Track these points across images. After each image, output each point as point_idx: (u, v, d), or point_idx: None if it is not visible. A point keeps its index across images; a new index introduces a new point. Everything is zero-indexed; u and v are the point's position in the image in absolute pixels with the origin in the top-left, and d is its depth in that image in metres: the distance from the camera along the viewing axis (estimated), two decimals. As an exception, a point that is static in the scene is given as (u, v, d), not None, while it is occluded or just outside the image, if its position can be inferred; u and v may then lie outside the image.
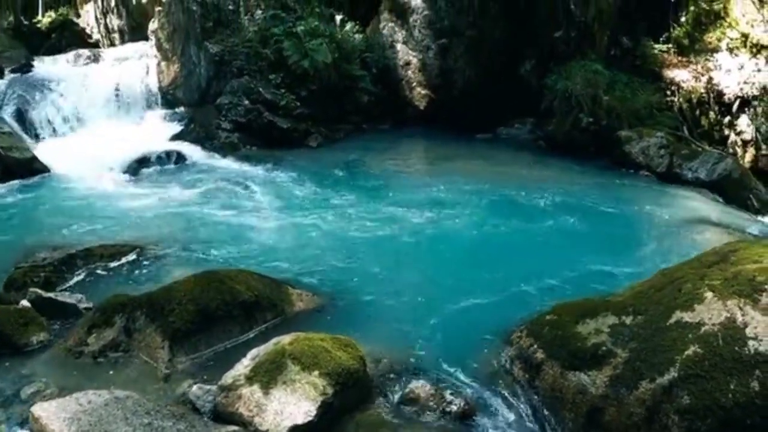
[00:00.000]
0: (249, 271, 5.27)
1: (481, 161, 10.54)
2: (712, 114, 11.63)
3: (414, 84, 12.76)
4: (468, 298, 5.43)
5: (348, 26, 12.64)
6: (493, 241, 6.93)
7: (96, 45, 18.26)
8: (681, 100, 11.77)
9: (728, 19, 11.81)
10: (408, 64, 12.77)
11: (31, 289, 5.18)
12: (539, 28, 12.86)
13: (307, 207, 7.95)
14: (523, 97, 12.30)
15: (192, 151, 10.54)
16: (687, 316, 3.68)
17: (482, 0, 12.32)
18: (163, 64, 12.86)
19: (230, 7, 12.61)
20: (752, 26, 11.52)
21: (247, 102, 11.43)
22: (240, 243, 6.66)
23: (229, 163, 10.14)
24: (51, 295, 5.15)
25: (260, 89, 11.54)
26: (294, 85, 11.66)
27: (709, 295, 3.72)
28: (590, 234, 7.39)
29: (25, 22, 18.54)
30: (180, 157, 10.25)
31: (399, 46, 12.83)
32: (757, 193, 9.82)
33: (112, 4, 18.81)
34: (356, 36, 12.62)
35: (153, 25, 13.35)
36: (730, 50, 11.61)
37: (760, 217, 9.18)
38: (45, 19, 19.60)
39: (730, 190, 9.74)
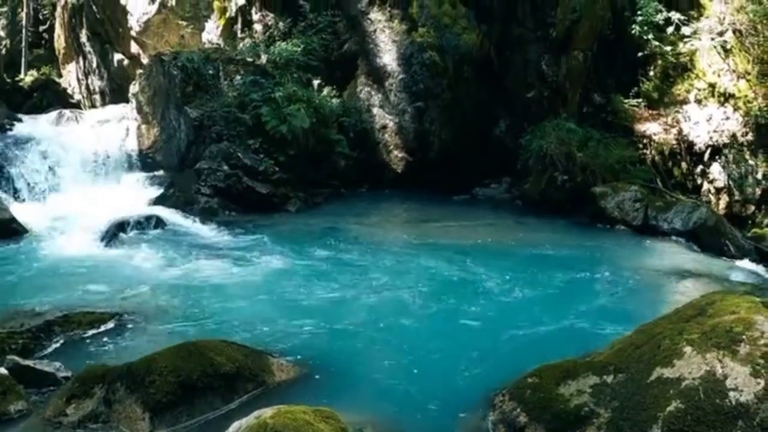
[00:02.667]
0: (229, 341, 5.22)
1: (458, 223, 10.63)
2: (684, 164, 11.91)
3: (391, 147, 12.95)
4: (449, 363, 5.43)
5: (325, 91, 12.88)
6: (473, 304, 6.91)
7: (77, 105, 18.51)
8: (653, 152, 12.06)
9: (695, 71, 12.20)
10: (385, 127, 12.97)
11: (9, 357, 5.07)
12: (512, 89, 13.24)
13: (287, 274, 7.88)
14: (499, 157, 12.55)
15: (171, 216, 10.49)
16: (667, 372, 3.72)
17: (456, 64, 12.63)
18: (143, 127, 12.97)
19: (210, 72, 12.79)
20: (719, 76, 11.90)
21: (226, 167, 11.49)
22: (220, 311, 6.60)
23: (208, 229, 10.09)
24: (29, 363, 5.04)
25: (239, 154, 11.64)
26: (272, 150, 11.80)
27: (688, 349, 3.77)
28: (569, 293, 7.45)
29: (8, 80, 18.68)
30: (159, 222, 10.20)
31: (376, 110, 13.07)
32: (732, 239, 9.97)
33: (94, 65, 19.09)
34: (333, 100, 12.85)
35: (134, 88, 13.51)
36: (699, 101, 11.96)
37: (737, 263, 9.32)
38: (27, 77, 19.85)
39: (706, 238, 9.89)
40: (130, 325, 6.13)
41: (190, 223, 10.33)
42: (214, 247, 9.11)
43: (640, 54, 12.48)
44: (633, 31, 12.28)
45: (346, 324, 6.29)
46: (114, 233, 9.67)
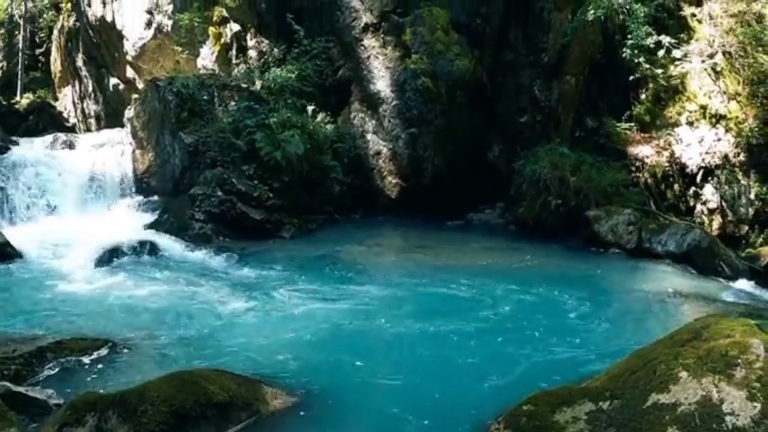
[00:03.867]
0: (222, 370, 5.19)
1: (452, 249, 10.62)
2: (677, 186, 11.99)
3: (385, 173, 12.96)
4: (444, 391, 5.39)
5: (319, 117, 12.91)
6: (467, 331, 6.87)
7: (73, 129, 18.57)
8: (646, 175, 12.13)
9: (686, 93, 12.32)
10: (378, 153, 12.99)
11: (1, 383, 5.01)
12: (505, 114, 13.32)
13: (280, 301, 7.85)
14: (493, 182, 12.59)
15: (165, 242, 10.49)
16: (663, 398, 3.71)
17: (449, 89, 12.69)
18: (138, 152, 12.98)
19: (205, 98, 12.82)
20: (710, 98, 12.02)
21: (220, 193, 11.47)
22: (213, 339, 6.56)
23: (202, 255, 10.06)
24: (21, 389, 4.99)
25: (233, 180, 11.64)
26: (267, 176, 11.79)
27: (683, 374, 3.76)
28: (564, 318, 7.43)
29: (4, 103, 18.73)
30: (153, 248, 10.18)
31: (369, 136, 13.09)
32: (727, 259, 10.02)
33: (90, 89, 19.19)
34: (327, 126, 12.88)
35: (129, 112, 13.54)
36: (690, 123, 12.07)
37: (732, 283, 9.38)
38: (23, 100, 19.90)
39: (700, 259, 9.95)
40: (122, 352, 6.08)
41: (184, 249, 10.32)
42: (209, 274, 9.07)
43: (631, 77, 12.61)
44: (624, 55, 12.40)
45: (341, 352, 6.25)
46: (108, 258, 9.67)
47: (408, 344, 6.69)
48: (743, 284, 9.34)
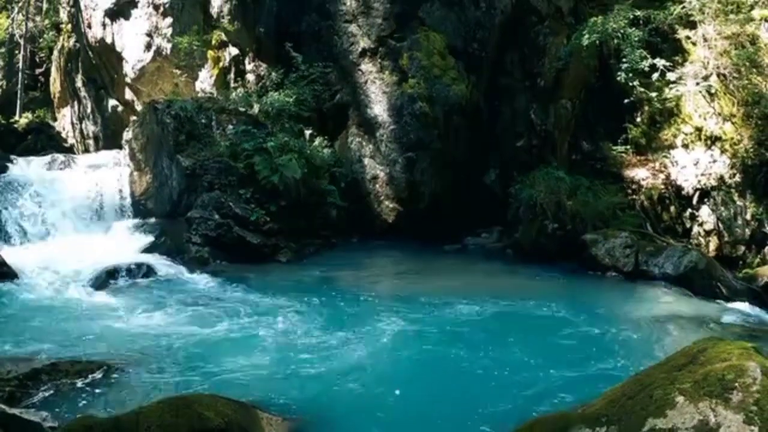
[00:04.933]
0: (217, 395, 5.17)
1: (449, 274, 10.57)
2: (673, 208, 11.99)
3: (382, 197, 12.99)
4: (441, 418, 5.37)
5: (317, 141, 12.96)
6: (464, 356, 6.84)
7: (71, 149, 18.59)
8: (642, 197, 12.15)
9: (681, 115, 12.37)
10: (376, 177, 13.03)
11: (-4, 404, 5.01)
12: (502, 138, 13.39)
13: (277, 327, 7.78)
14: (489, 206, 12.60)
15: (162, 265, 10.48)
16: (660, 423, 3.68)
17: (446, 114, 12.78)
18: (135, 174, 13.01)
19: (203, 121, 12.87)
20: (705, 119, 12.06)
21: (217, 216, 11.48)
22: (209, 363, 6.52)
23: (199, 279, 10.05)
24: (16, 411, 4.95)
25: (231, 204, 11.65)
26: (264, 200, 11.81)
27: (680, 399, 3.75)
28: (561, 342, 7.40)
29: (3, 122, 18.80)
30: (150, 271, 10.18)
31: (367, 160, 13.13)
32: (724, 280, 10.00)
33: (89, 110, 19.26)
34: (325, 150, 12.93)
35: (127, 134, 13.59)
36: (686, 145, 12.11)
37: (730, 304, 9.33)
38: (22, 119, 19.99)
39: (697, 281, 9.92)
40: (117, 376, 6.05)
41: (180, 272, 10.32)
42: (205, 298, 9.04)
43: (626, 101, 12.66)
44: (619, 79, 12.48)
45: (338, 378, 6.22)
46: (104, 280, 9.67)
47: (404, 370, 6.68)
48: (741, 305, 9.31)
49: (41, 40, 22.97)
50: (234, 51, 15.17)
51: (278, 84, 13.68)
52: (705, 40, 12.43)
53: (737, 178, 11.56)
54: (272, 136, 12.50)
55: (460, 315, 8.30)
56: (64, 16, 21.10)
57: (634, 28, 12.47)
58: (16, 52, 23.13)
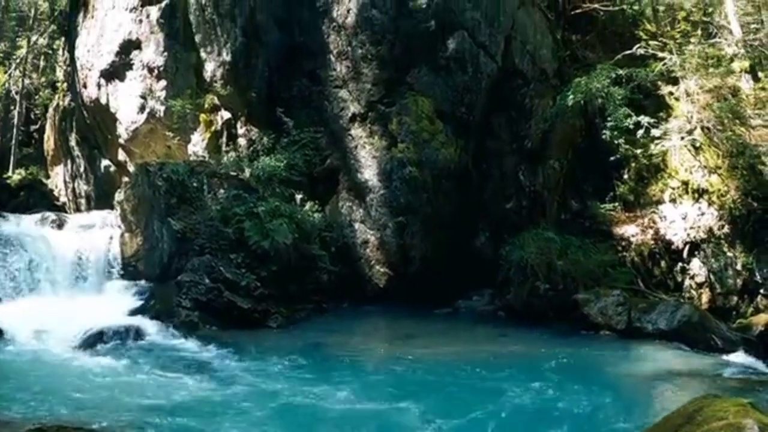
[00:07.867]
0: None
1: (440, 339, 10.45)
2: (664, 263, 12.03)
3: (373, 262, 12.93)
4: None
5: (308, 206, 13.00)
6: (455, 423, 6.73)
7: (63, 207, 18.51)
8: (632, 254, 12.20)
9: (668, 170, 12.54)
10: (366, 242, 12.99)
11: (-22, 471, 4.87)
12: (491, 200, 13.47)
13: (266, 394, 7.67)
14: (480, 269, 12.55)
15: (151, 328, 10.36)
16: (658, 484, 3.63)
17: (435, 178, 12.85)
18: (126, 235, 12.97)
19: (194, 185, 12.88)
20: (691, 173, 12.23)
21: (208, 280, 11.40)
22: (193, 430, 6.40)
23: (188, 344, 9.91)
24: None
25: (221, 268, 11.57)
26: (255, 265, 11.74)
27: (678, 460, 3.70)
28: (555, 406, 7.29)
29: (-5, 177, 18.76)
30: (138, 334, 10.06)
31: (357, 225, 13.12)
32: (718, 332, 9.99)
33: (81, 169, 19.25)
34: (316, 215, 12.94)
35: (119, 195, 13.61)
36: (673, 200, 12.25)
37: (726, 356, 9.32)
38: (15, 176, 19.96)
39: (692, 335, 9.91)
40: (103, 442, 5.92)
41: (169, 337, 10.20)
42: (194, 363, 8.92)
43: (613, 158, 12.82)
44: (605, 137, 12.68)
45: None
46: (92, 342, 9.59)
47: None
48: (737, 356, 9.30)
49: (37, 96, 23.26)
50: (226, 115, 15.34)
51: (269, 148, 13.77)
52: (687, 94, 12.73)
53: (726, 229, 11.66)
54: (263, 201, 12.53)
55: (449, 380, 8.24)
56: (60, 74, 21.30)
57: (617, 87, 12.71)
58: (12, 108, 23.36)
